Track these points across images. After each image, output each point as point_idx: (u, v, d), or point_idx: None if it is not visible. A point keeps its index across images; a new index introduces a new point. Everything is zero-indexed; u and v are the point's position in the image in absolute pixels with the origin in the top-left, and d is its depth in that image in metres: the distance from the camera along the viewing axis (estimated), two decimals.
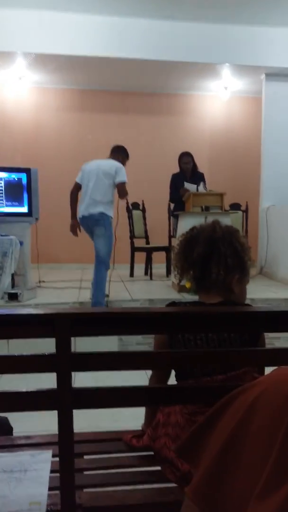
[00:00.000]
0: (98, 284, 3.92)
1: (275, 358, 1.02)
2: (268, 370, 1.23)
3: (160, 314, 0.99)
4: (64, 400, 0.94)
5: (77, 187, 4.12)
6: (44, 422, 2.12)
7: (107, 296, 4.04)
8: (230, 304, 1.24)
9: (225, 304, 1.23)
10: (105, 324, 0.94)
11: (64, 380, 0.93)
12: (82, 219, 4.01)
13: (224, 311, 1.03)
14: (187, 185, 4.81)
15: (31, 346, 3.21)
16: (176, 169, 5.24)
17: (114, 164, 3.97)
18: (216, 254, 1.24)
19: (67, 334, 0.90)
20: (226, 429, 0.82)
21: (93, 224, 3.98)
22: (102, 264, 3.99)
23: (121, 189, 3.93)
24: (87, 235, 4.18)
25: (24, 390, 0.99)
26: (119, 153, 4.14)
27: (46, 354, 0.92)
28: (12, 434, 1.49)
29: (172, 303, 1.32)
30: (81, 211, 4.00)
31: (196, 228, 1.34)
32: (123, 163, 4.08)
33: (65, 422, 0.96)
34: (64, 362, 0.92)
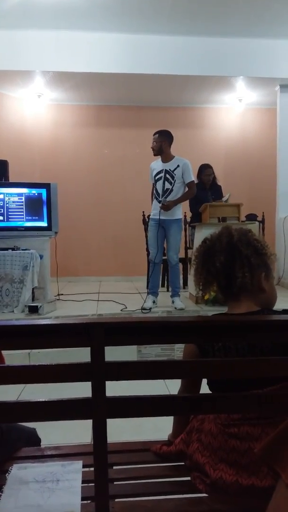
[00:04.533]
0: None
1: None
2: None
3: (194, 324, 1.00)
4: (99, 409, 0.95)
5: None
6: (67, 434, 2.15)
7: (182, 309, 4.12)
8: (262, 312, 1.22)
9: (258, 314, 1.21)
10: (138, 333, 0.95)
11: (99, 388, 0.94)
12: None
13: (257, 320, 1.03)
14: None
15: (53, 357, 3.21)
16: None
17: None
18: (238, 257, 1.22)
19: (102, 342, 0.92)
20: None
21: None
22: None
23: None
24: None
25: (57, 399, 1.00)
26: None
27: (82, 363, 0.94)
28: (40, 446, 1.51)
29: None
30: None
31: (208, 239, 1.32)
32: (165, 149, 4.31)
33: (100, 431, 0.98)
34: (99, 371, 0.94)
